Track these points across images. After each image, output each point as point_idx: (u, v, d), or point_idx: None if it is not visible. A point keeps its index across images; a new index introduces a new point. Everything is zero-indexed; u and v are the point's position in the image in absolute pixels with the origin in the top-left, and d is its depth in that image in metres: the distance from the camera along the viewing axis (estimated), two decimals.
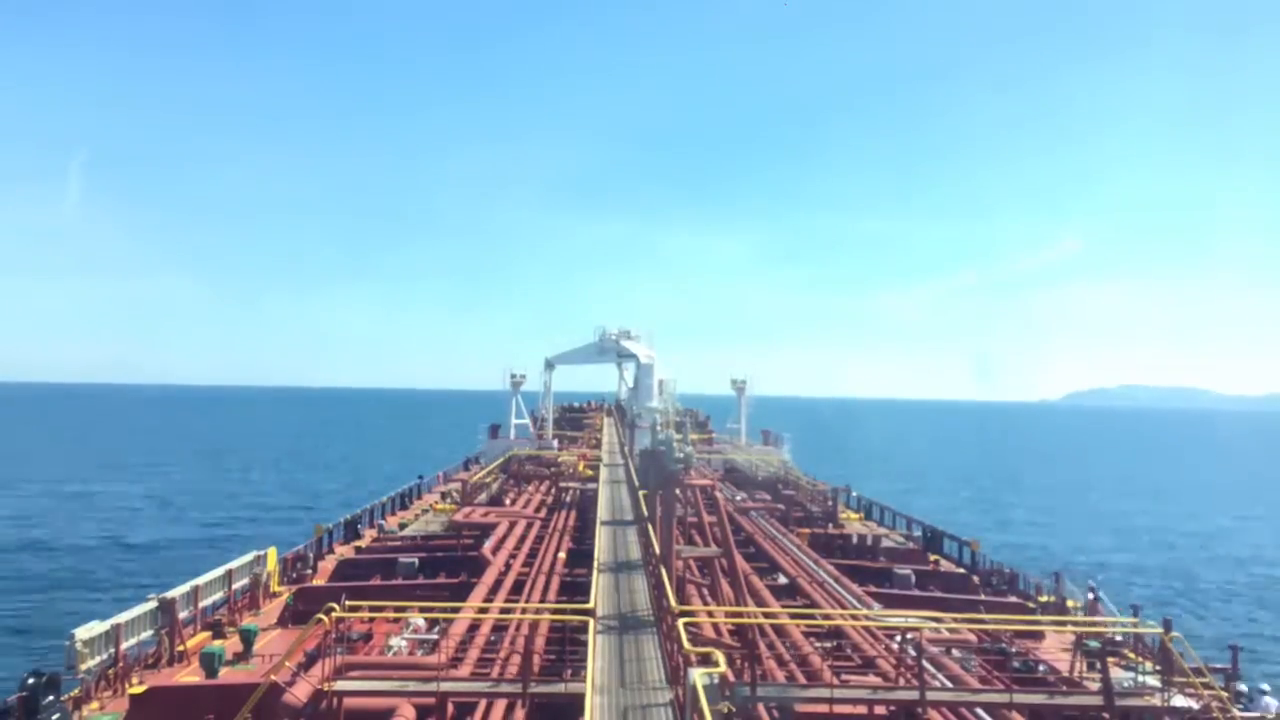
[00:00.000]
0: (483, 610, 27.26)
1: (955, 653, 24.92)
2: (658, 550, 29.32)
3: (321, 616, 21.33)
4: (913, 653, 21.48)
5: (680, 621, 20.67)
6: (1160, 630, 23.73)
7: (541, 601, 29.91)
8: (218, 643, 28.10)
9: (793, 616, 27.29)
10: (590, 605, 22.88)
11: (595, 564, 29.52)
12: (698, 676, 16.17)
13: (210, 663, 24.39)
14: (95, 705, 23.97)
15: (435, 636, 25.66)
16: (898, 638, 23.81)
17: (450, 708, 20.48)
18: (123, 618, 26.09)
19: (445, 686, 19.90)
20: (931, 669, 22.01)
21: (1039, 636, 30.71)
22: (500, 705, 20.52)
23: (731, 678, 20.00)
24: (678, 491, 30.75)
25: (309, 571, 40.23)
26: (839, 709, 20.64)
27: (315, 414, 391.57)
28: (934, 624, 26.68)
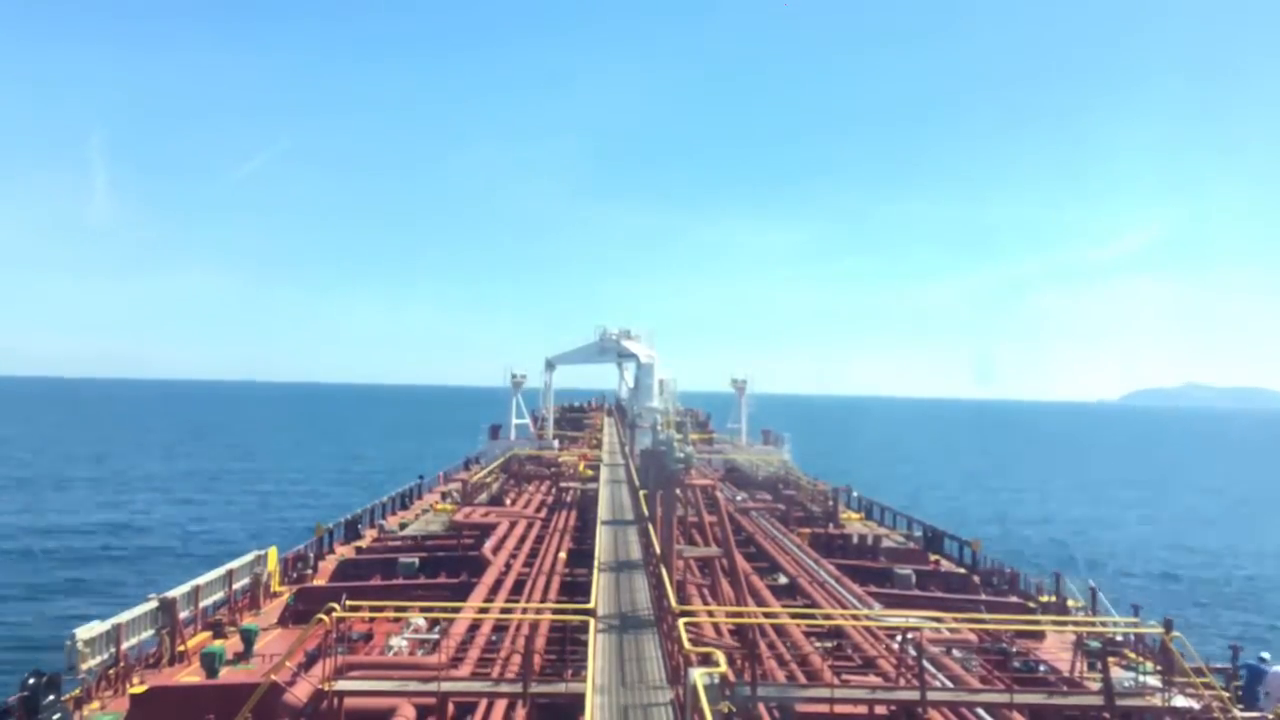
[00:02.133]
0: (483, 610, 27.26)
1: (956, 653, 24.91)
2: (658, 550, 29.33)
3: (322, 616, 21.30)
4: (913, 653, 21.47)
5: (681, 621, 20.68)
6: (1161, 630, 23.73)
7: (542, 601, 29.92)
8: (218, 642, 28.09)
9: (793, 616, 27.28)
10: (591, 605, 22.88)
11: (596, 564, 29.54)
12: (698, 676, 16.16)
13: (211, 662, 24.37)
14: (96, 705, 23.95)
15: (436, 636, 25.68)
16: (898, 638, 23.79)
17: (451, 708, 20.49)
18: (123, 617, 26.07)
19: (446, 686, 19.90)
20: (932, 669, 22.00)
21: (1039, 636, 30.69)
22: (501, 705, 20.52)
23: (732, 677, 19.98)
24: (678, 491, 30.75)
25: (309, 571, 40.23)
26: (839, 709, 20.63)
27: (318, 410, 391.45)
28: (934, 624, 26.66)
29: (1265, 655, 26.76)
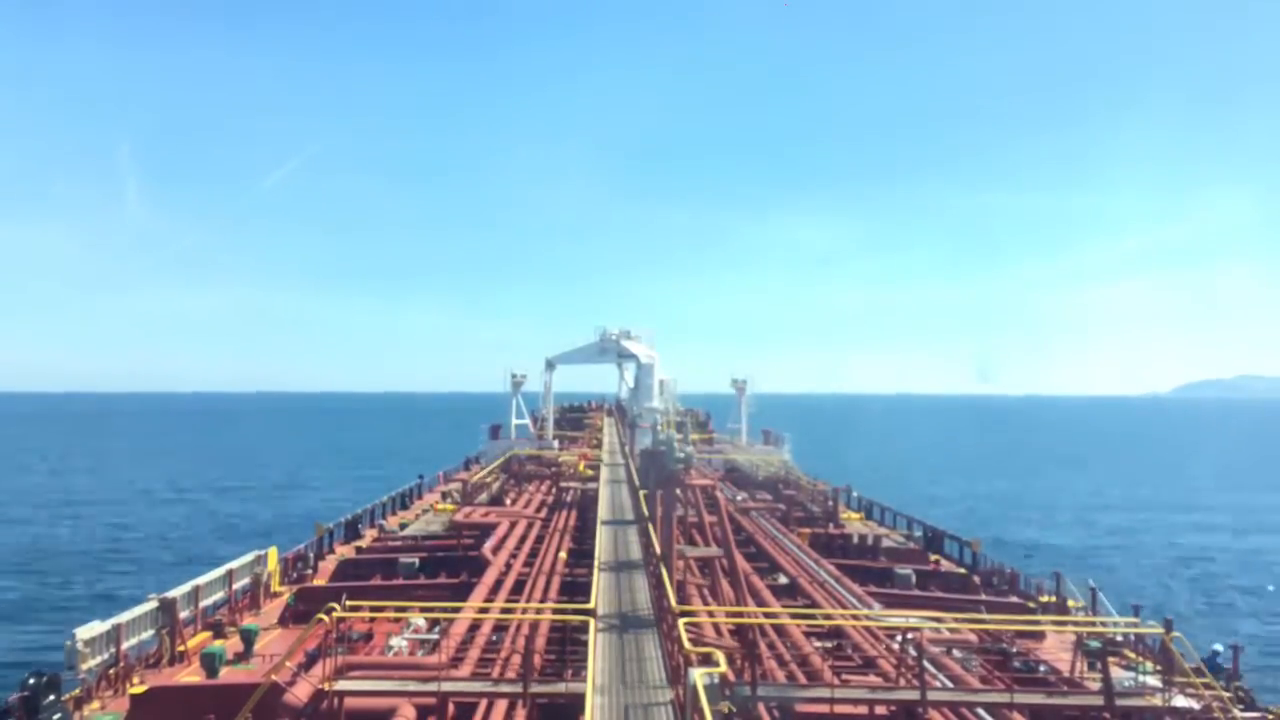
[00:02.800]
0: (483, 610, 27.25)
1: (956, 653, 24.90)
2: (658, 550, 29.33)
3: (322, 616, 21.33)
4: (913, 653, 21.47)
5: (681, 621, 20.68)
6: (1161, 630, 23.73)
7: (542, 601, 29.91)
8: (218, 643, 28.10)
9: (793, 616, 27.27)
10: (591, 605, 22.89)
11: (596, 564, 29.55)
12: (698, 676, 16.16)
13: (211, 663, 24.36)
14: (96, 705, 23.97)
15: (436, 636, 25.67)
16: (898, 638, 23.78)
17: (451, 708, 20.48)
18: (123, 617, 26.10)
19: (446, 686, 19.90)
20: (932, 669, 21.99)
21: (1040, 636, 30.70)
22: (501, 705, 20.50)
23: (732, 678, 19.99)
24: (678, 491, 30.75)
25: (310, 571, 40.25)
26: (839, 709, 20.62)
27: (318, 418, 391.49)
28: (934, 624, 26.66)
29: (1218, 647, 27.94)
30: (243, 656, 26.82)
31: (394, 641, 25.74)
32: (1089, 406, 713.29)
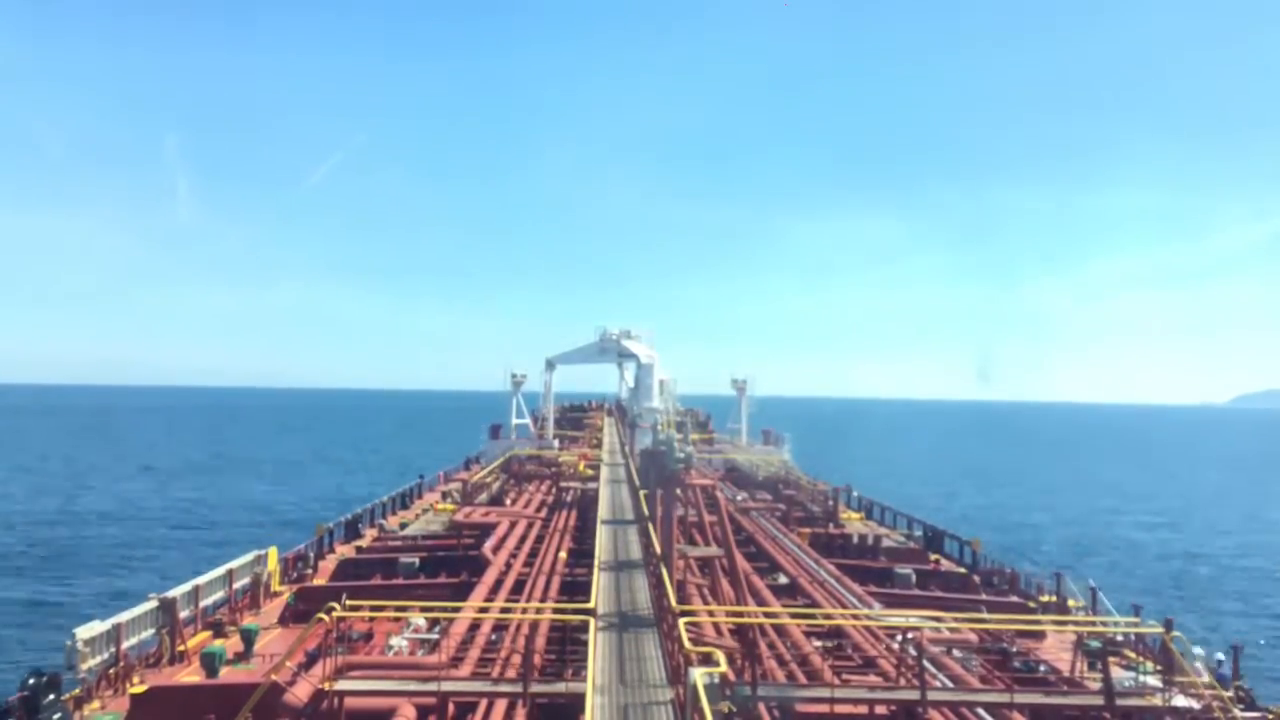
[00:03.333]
0: (483, 610, 27.26)
1: (956, 652, 24.91)
2: (658, 550, 29.34)
3: (322, 616, 21.34)
4: (913, 652, 21.48)
5: (681, 621, 20.68)
6: (1161, 630, 23.73)
7: (542, 601, 29.92)
8: (219, 642, 28.12)
9: (793, 616, 27.27)
10: (591, 605, 22.89)
11: (596, 563, 29.54)
12: (698, 676, 16.16)
13: (211, 662, 24.40)
14: (96, 705, 23.97)
15: (436, 636, 25.69)
16: (898, 637, 23.80)
17: (451, 707, 20.50)
18: (123, 617, 26.11)
19: (446, 686, 19.91)
20: (932, 669, 22.01)
21: (1040, 636, 30.72)
22: (501, 705, 20.52)
23: (732, 677, 20.00)
24: (678, 491, 30.74)
25: (310, 571, 40.27)
26: (840, 709, 20.64)
27: (320, 416, 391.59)
28: (935, 624, 26.66)
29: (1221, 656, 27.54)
30: (243, 656, 26.85)
31: (394, 641, 25.74)
32: (1137, 415, 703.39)
